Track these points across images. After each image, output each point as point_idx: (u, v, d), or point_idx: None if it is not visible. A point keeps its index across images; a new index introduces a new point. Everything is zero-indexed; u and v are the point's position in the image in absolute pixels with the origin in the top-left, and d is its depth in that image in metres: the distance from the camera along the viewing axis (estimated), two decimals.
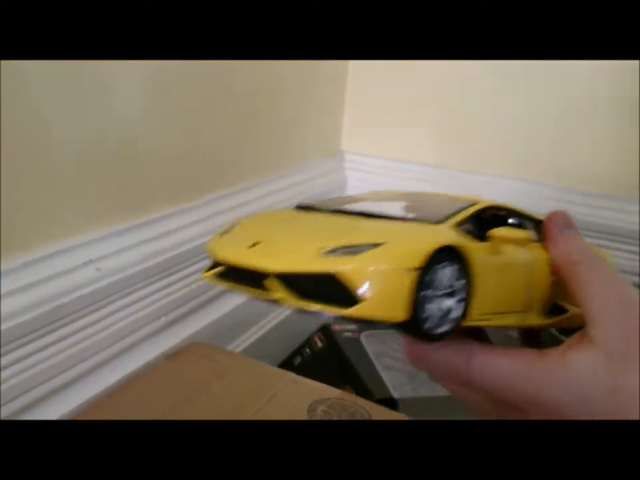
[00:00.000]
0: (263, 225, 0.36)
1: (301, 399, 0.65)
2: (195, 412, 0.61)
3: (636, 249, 0.95)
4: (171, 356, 0.72)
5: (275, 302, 0.29)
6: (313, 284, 0.28)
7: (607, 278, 0.32)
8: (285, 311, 0.98)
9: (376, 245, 0.28)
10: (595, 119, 0.97)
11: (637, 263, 0.95)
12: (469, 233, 0.33)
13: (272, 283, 0.28)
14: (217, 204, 0.86)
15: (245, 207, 0.90)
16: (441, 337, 0.30)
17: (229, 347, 0.87)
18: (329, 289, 0.27)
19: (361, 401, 0.64)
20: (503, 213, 0.38)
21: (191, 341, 0.77)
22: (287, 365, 0.88)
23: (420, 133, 1.15)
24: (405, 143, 1.16)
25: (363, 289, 0.27)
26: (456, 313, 0.30)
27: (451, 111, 1.11)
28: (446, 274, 0.29)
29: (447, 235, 0.31)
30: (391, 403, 0.71)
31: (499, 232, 0.33)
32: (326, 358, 0.84)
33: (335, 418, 0.61)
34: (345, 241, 0.29)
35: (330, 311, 0.27)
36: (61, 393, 0.64)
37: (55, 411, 0.63)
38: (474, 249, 0.31)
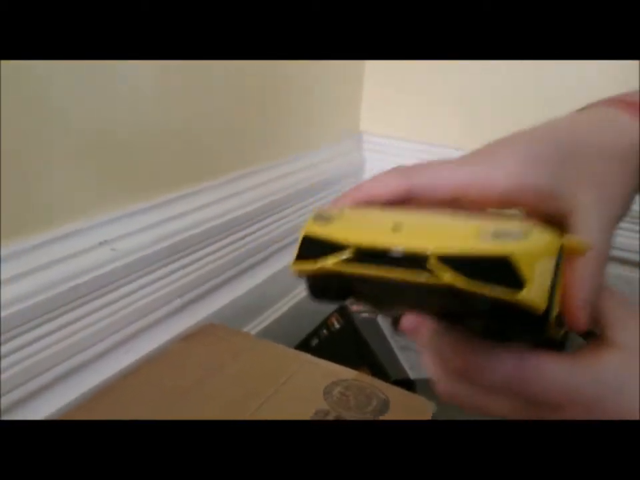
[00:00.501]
0: (381, 213, 0.33)
1: (318, 380, 0.64)
2: (210, 394, 0.61)
3: (636, 227, 0.94)
4: (187, 337, 0.72)
5: (432, 285, 0.27)
6: (482, 266, 0.26)
7: (614, 293, 0.34)
8: (300, 293, 0.98)
9: (527, 233, 0.27)
10: None
11: (637, 242, 0.95)
12: None
13: (436, 265, 0.27)
14: (234, 185, 0.85)
15: (262, 188, 0.90)
16: (548, 332, 0.30)
17: (245, 329, 0.87)
18: (499, 272, 0.26)
19: (378, 382, 0.64)
20: None
21: (207, 322, 0.77)
22: (304, 346, 0.87)
23: (440, 114, 1.13)
24: (425, 124, 1.15)
25: (530, 274, 0.26)
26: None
27: (472, 92, 1.09)
28: (556, 269, 0.29)
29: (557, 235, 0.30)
30: (407, 384, 0.70)
31: (569, 240, 0.32)
32: (343, 339, 0.83)
33: (352, 399, 0.61)
34: (500, 226, 0.28)
35: (498, 294, 0.26)
36: (77, 374, 0.64)
37: (71, 391, 0.63)
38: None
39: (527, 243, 0.27)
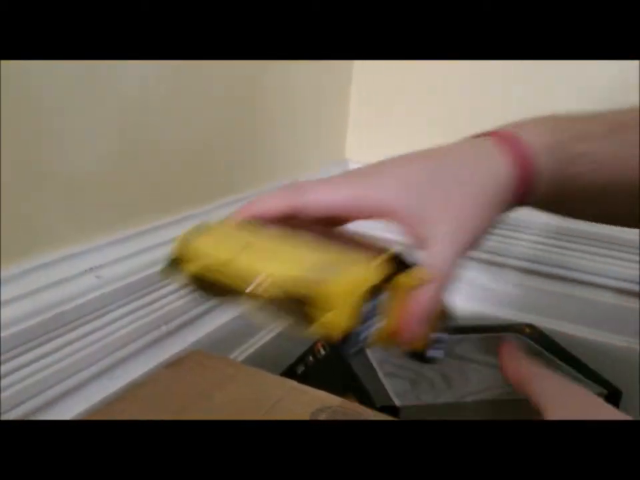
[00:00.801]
0: (244, 233, 0.40)
1: (303, 407, 0.64)
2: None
3: (636, 257, 0.95)
4: (171, 364, 0.72)
5: (254, 298, 0.34)
6: (296, 292, 0.32)
7: (550, 375, 0.40)
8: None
9: (343, 271, 0.34)
10: None
11: (637, 272, 0.96)
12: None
13: (261, 286, 0.34)
14: (218, 212, 0.85)
15: None
16: (351, 356, 0.37)
17: (231, 356, 0.87)
18: (308, 299, 0.32)
19: (362, 409, 0.64)
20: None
21: (193, 349, 0.77)
22: (289, 373, 0.87)
23: (427, 142, 1.14)
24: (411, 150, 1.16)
25: (330, 306, 0.32)
26: (364, 336, 0.36)
27: (459, 121, 1.10)
28: (372, 305, 0.35)
29: (380, 271, 0.36)
30: (392, 410, 0.70)
31: (404, 279, 0.37)
32: (329, 366, 0.83)
33: None
34: (326, 261, 0.35)
35: (301, 317, 0.33)
36: (60, 402, 0.64)
37: (55, 419, 0.63)
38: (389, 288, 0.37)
39: (334, 281, 0.33)
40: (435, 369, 0.79)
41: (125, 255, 0.70)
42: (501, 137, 0.41)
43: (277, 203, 0.40)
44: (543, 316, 1.02)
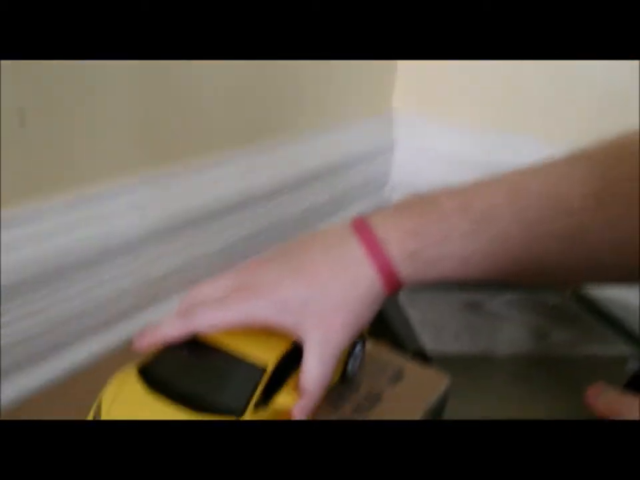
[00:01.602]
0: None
1: None
2: None
3: None
4: None
5: None
6: None
7: None
8: None
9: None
10: None
11: None
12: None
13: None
14: (256, 157, 0.86)
15: (283, 163, 0.91)
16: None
17: None
18: None
19: (394, 353, 0.64)
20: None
21: None
22: None
23: (476, 94, 1.12)
24: (461, 105, 1.14)
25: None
26: None
27: (506, 72, 1.07)
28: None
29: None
30: (424, 356, 0.71)
31: (282, 399, 0.45)
32: None
33: (367, 367, 0.62)
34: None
35: None
36: (106, 330, 0.67)
37: (97, 345, 0.66)
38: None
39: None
40: (468, 320, 0.80)
41: (170, 193, 0.71)
42: (370, 250, 0.45)
43: (175, 329, 0.46)
44: None
